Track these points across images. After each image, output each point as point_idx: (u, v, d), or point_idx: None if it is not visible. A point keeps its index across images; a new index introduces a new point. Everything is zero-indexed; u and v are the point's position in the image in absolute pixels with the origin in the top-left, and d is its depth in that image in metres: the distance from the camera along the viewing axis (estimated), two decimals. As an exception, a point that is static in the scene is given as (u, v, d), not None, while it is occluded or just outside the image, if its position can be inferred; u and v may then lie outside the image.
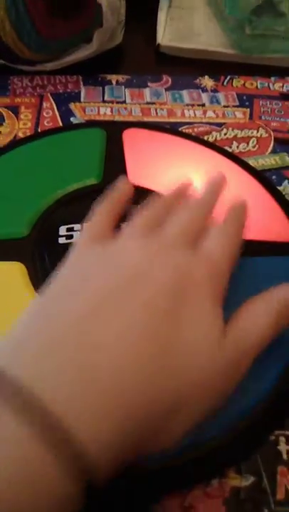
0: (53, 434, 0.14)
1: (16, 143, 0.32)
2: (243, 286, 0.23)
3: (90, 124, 0.36)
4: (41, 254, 0.24)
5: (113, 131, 0.32)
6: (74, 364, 0.16)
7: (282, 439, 0.23)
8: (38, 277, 0.24)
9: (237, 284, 0.23)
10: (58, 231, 0.26)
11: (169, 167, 0.30)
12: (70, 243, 0.25)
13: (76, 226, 0.26)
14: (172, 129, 0.35)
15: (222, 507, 0.21)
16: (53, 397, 0.14)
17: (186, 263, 0.20)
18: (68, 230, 0.26)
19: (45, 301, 0.19)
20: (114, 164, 0.29)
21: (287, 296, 0.21)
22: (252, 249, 0.26)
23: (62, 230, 0.26)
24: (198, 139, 0.33)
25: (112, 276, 0.19)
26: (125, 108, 0.38)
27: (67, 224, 0.26)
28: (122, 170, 0.29)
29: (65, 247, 0.25)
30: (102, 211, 0.24)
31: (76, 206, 0.27)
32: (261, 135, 0.37)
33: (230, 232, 0.23)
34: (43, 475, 0.13)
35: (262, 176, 0.31)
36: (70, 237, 0.26)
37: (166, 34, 0.45)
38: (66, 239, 0.26)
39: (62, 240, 0.26)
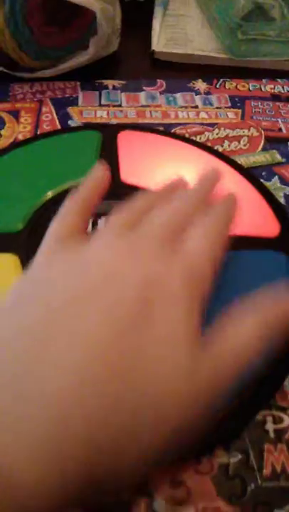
0: None
1: (16, 145, 0.33)
2: (229, 281, 0.25)
3: (87, 126, 0.37)
4: (34, 247, 0.26)
5: (108, 133, 0.33)
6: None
7: (269, 418, 0.24)
8: None
9: (223, 279, 0.25)
10: (50, 226, 0.27)
11: (161, 166, 0.31)
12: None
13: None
14: (164, 130, 0.37)
15: (211, 483, 0.22)
16: None
17: (157, 269, 0.18)
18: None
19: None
20: (108, 164, 0.31)
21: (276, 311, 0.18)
22: (238, 244, 0.28)
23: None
24: (188, 140, 0.35)
25: (72, 286, 0.17)
26: (121, 111, 0.40)
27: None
28: (115, 169, 0.31)
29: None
30: (70, 211, 0.22)
31: None
32: (252, 134, 0.38)
33: (215, 232, 0.21)
34: None
35: (248, 173, 0.32)
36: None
37: (161, 40, 0.46)
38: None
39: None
